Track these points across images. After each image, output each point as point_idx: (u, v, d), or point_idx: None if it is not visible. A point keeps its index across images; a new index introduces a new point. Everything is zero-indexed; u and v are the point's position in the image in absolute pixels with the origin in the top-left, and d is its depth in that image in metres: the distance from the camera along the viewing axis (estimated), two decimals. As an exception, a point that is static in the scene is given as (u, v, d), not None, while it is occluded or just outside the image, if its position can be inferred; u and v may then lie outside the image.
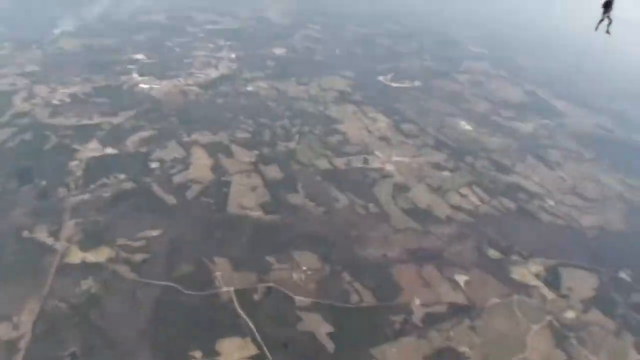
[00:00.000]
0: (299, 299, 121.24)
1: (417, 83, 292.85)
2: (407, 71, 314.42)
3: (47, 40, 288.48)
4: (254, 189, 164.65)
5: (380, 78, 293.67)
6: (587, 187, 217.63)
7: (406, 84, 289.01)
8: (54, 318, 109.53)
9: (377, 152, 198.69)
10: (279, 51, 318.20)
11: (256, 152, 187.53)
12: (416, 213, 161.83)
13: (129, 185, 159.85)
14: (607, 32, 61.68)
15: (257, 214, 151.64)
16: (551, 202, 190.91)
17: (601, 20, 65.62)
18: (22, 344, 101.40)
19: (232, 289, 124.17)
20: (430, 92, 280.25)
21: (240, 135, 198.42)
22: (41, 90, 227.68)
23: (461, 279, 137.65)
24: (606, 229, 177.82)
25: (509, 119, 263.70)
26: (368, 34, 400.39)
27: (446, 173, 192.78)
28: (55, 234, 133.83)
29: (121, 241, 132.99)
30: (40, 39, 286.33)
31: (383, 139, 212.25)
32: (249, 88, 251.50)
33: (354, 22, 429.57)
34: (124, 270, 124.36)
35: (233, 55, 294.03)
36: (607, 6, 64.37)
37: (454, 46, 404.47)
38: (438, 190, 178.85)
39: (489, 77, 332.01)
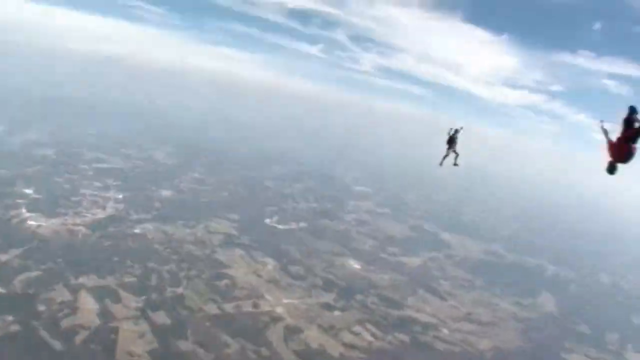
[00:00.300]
0: None
1: (302, 224, 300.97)
2: (293, 212, 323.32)
3: None
4: (142, 335, 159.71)
5: (267, 220, 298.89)
6: (481, 312, 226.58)
7: (292, 226, 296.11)
8: None
9: (266, 296, 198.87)
10: (165, 192, 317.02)
11: (144, 297, 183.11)
12: (309, 354, 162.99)
13: (15, 327, 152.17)
14: (455, 164, 64.98)
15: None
16: (446, 331, 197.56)
17: (445, 156, 67.79)
18: None
19: None
20: (317, 233, 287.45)
21: (128, 279, 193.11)
22: None
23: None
24: (503, 349, 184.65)
25: (396, 254, 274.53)
26: (254, 176, 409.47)
27: (337, 312, 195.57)
28: None
29: None
30: None
31: (272, 281, 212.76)
32: (136, 230, 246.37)
33: (240, 164, 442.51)
34: None
35: (120, 196, 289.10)
36: (451, 142, 67.32)
37: (339, 186, 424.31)
38: (330, 330, 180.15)
39: (375, 215, 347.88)
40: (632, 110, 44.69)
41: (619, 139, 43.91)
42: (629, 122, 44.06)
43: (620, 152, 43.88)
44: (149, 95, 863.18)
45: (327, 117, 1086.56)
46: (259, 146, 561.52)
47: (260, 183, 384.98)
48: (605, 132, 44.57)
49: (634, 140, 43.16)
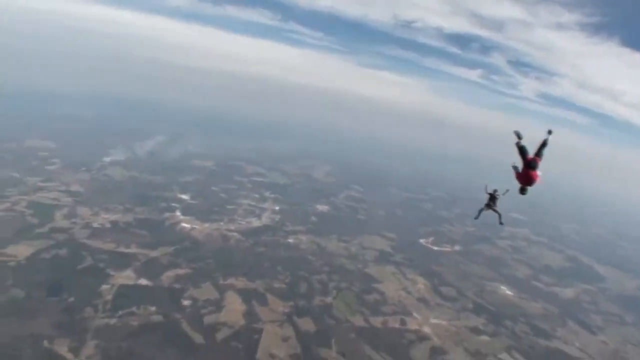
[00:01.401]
0: None
1: (457, 247, 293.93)
2: (449, 235, 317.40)
3: (97, 165, 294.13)
4: (285, 339, 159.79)
5: (422, 241, 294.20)
6: (630, 351, 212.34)
7: (447, 248, 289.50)
8: None
9: (414, 314, 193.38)
10: (321, 208, 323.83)
11: (291, 303, 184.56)
12: None
13: (158, 318, 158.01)
14: (501, 223, 59.02)
15: None
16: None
17: (481, 210, 62.05)
18: None
19: None
20: (471, 257, 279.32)
21: (277, 285, 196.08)
22: (83, 211, 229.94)
23: None
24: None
25: (550, 284, 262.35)
26: (410, 197, 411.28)
27: (485, 337, 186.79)
28: (75, 351, 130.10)
29: None
30: (89, 163, 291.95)
31: (421, 300, 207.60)
32: (290, 240, 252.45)
33: (397, 185, 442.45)
34: None
35: (277, 208, 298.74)
36: (492, 200, 62.08)
37: (495, 214, 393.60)
38: (476, 354, 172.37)
39: (530, 243, 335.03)
40: (517, 135, 53.85)
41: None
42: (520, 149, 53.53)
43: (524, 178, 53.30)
44: (307, 116, 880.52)
45: (487, 144, 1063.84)
46: (417, 169, 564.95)
47: (417, 204, 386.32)
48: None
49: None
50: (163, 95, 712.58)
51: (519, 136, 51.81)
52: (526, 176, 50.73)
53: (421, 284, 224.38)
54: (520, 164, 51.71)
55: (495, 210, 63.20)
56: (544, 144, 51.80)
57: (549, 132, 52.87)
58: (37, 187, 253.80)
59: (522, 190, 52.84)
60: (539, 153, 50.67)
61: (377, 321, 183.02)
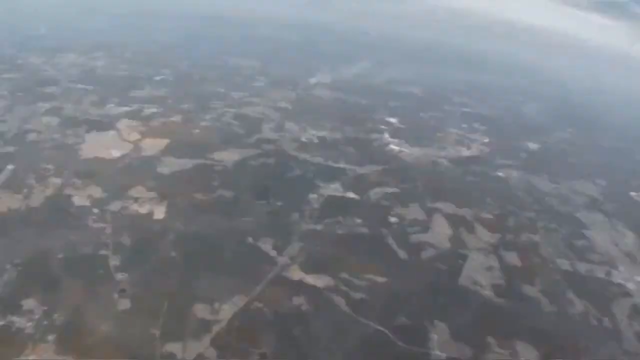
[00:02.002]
0: None
1: None
2: None
3: (303, 85, 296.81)
4: (490, 269, 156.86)
5: (632, 194, 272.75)
6: None
7: None
8: (255, 319, 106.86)
9: (620, 268, 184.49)
10: (532, 145, 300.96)
11: (498, 235, 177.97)
12: None
13: (363, 229, 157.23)
14: None
15: (488, 293, 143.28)
16: None
17: None
18: (215, 329, 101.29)
19: (444, 355, 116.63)
20: None
21: (484, 215, 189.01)
22: (290, 126, 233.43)
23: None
24: None
25: None
26: (624, 147, 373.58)
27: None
28: (279, 249, 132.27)
29: (343, 275, 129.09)
30: (295, 83, 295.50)
31: (628, 255, 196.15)
32: (499, 174, 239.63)
33: (610, 132, 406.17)
34: (339, 301, 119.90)
35: (486, 140, 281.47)
36: None
37: None
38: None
39: None
40: None
41: None
42: None
43: None
44: (523, 54, 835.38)
45: None
46: (631, 117, 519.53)
47: (630, 155, 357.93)
48: None
49: None
50: (369, 24, 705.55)
51: None
52: None
53: (629, 238, 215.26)
54: None
55: None
56: None
57: None
58: (243, 102, 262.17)
59: None
60: None
61: (582, 268, 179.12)
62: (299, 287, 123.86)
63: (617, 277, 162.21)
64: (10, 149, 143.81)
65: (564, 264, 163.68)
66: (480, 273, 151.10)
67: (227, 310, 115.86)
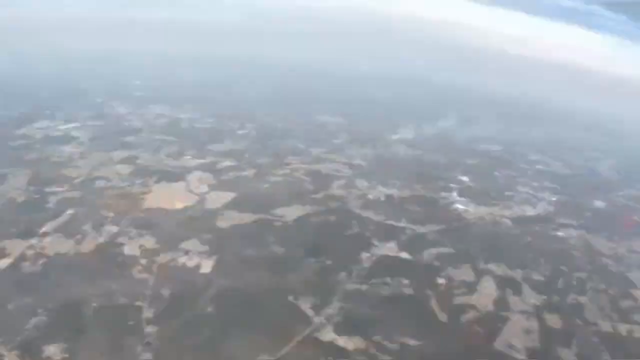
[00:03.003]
0: None
1: None
2: None
3: (383, 142, 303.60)
4: (528, 332, 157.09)
5: None
6: None
7: None
8: None
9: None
10: (598, 204, 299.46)
11: (544, 297, 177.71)
12: None
13: (408, 291, 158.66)
14: None
15: (522, 358, 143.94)
16: None
17: None
18: None
19: None
20: None
21: (535, 276, 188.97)
22: (361, 183, 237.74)
23: None
24: None
25: None
26: None
27: None
28: (317, 309, 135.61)
29: (376, 337, 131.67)
30: (376, 139, 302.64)
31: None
32: (559, 233, 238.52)
33: None
34: None
35: (554, 199, 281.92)
36: None
37: None
38: None
39: None
40: None
41: None
42: None
43: None
44: (596, 105, 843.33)
45: None
46: None
47: None
48: None
49: None
50: (459, 79, 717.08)
51: None
52: None
53: None
54: None
55: None
56: None
57: None
58: (319, 158, 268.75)
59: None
60: None
61: (623, 329, 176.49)
62: (328, 348, 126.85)
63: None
64: (75, 194, 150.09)
65: (606, 326, 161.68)
66: (518, 336, 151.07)
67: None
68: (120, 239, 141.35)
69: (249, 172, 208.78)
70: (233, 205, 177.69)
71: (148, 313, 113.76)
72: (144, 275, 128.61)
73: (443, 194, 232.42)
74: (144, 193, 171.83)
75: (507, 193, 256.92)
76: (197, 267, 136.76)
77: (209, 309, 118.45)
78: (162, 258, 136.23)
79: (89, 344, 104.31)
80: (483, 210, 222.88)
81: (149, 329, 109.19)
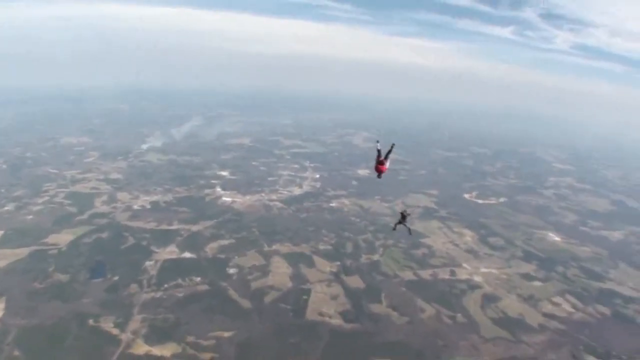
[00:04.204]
0: None
1: (502, 199, 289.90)
2: (493, 188, 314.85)
3: (134, 153, 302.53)
4: (334, 297, 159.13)
5: (466, 195, 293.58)
6: None
7: (492, 201, 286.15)
8: None
9: (464, 265, 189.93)
10: (362, 172, 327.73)
11: (338, 263, 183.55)
12: (507, 322, 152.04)
13: (203, 287, 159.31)
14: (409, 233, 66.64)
15: (337, 321, 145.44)
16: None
17: (397, 223, 78.30)
18: None
19: None
20: (517, 207, 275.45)
21: (322, 247, 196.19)
22: (123, 196, 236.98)
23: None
24: None
25: (597, 228, 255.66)
26: (452, 156, 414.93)
27: (537, 283, 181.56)
28: (121, 326, 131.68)
29: (190, 339, 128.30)
30: (126, 152, 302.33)
31: (470, 252, 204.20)
32: (332, 204, 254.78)
33: (439, 146, 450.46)
34: None
35: (317, 175, 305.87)
36: (404, 218, 77.56)
37: (538, 164, 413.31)
38: (529, 299, 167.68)
39: (575, 191, 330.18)
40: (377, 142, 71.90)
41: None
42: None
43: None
44: (341, 88, 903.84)
45: (520, 99, 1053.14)
46: (457, 129, 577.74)
47: (459, 162, 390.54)
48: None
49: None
50: (196, 82, 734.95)
51: (377, 142, 70.41)
52: (378, 168, 68.69)
53: (468, 236, 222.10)
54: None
55: (405, 225, 78.68)
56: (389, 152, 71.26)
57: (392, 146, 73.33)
58: (75, 179, 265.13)
59: (379, 176, 71.48)
60: (386, 156, 70.14)
61: (426, 274, 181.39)
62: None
63: (463, 274, 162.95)
64: None
65: (408, 275, 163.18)
66: (325, 304, 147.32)
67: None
68: None
69: (10, 207, 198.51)
70: (3, 242, 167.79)
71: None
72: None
73: (207, 190, 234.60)
74: None
75: (270, 179, 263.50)
76: None
77: (15, 353, 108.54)
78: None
79: None
80: (251, 199, 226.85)
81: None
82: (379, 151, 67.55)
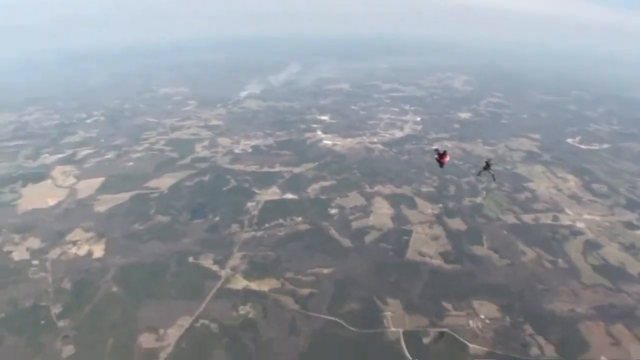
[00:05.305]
0: (474, 347, 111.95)
1: (606, 145, 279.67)
2: (596, 134, 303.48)
3: (233, 101, 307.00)
4: (435, 238, 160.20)
5: (569, 140, 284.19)
6: None
7: (595, 146, 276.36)
8: (202, 336, 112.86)
9: (567, 210, 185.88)
10: (464, 115, 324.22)
11: (440, 205, 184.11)
12: (607, 270, 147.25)
13: (304, 226, 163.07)
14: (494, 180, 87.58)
15: (437, 261, 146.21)
16: None
17: (482, 170, 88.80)
18: (163, 355, 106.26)
19: (401, 330, 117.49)
20: (621, 154, 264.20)
21: (425, 189, 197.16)
22: (223, 141, 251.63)
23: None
24: None
25: None
26: (553, 100, 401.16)
27: (639, 232, 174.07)
28: (220, 263, 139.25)
29: (289, 275, 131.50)
30: (225, 100, 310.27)
31: (573, 197, 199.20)
32: (435, 147, 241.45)
33: (538, 89, 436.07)
34: (287, 301, 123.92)
35: (418, 119, 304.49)
36: (488, 166, 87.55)
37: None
38: (631, 248, 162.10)
39: None
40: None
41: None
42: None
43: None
44: (440, 33, 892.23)
45: (621, 44, 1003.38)
46: (557, 73, 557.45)
47: (560, 106, 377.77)
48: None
49: None
50: (288, 30, 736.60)
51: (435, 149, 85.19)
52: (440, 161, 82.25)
53: (572, 181, 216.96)
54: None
55: (490, 172, 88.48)
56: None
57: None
58: (174, 127, 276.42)
59: (441, 165, 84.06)
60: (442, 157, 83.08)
61: (528, 218, 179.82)
62: (244, 295, 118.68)
63: (565, 220, 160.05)
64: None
65: (510, 219, 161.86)
66: (426, 244, 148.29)
67: (172, 334, 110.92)
68: (7, 247, 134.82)
69: (111, 155, 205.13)
70: (104, 188, 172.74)
71: (56, 309, 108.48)
72: (41, 275, 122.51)
73: (308, 134, 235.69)
74: (15, 199, 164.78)
75: (370, 122, 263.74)
76: (89, 254, 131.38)
77: (114, 289, 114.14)
78: (52, 254, 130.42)
79: (7, 353, 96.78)
80: (352, 141, 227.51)
81: (62, 323, 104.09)
82: (437, 151, 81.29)
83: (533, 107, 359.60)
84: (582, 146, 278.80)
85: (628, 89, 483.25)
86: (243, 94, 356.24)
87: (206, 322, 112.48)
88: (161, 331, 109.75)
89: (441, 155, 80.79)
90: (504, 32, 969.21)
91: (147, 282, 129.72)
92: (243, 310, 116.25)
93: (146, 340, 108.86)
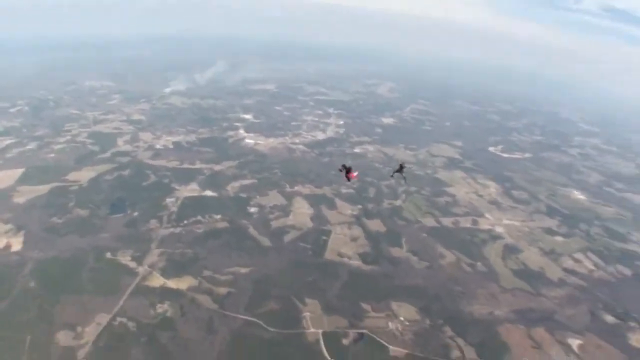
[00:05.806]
0: (394, 349, 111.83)
1: (527, 154, 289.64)
2: (518, 144, 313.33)
3: (157, 96, 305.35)
4: (354, 239, 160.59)
5: (491, 149, 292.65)
6: None
7: (517, 155, 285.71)
8: (120, 335, 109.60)
9: (486, 215, 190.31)
10: (387, 120, 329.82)
11: (359, 206, 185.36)
12: (527, 274, 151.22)
13: (223, 224, 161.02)
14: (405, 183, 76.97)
15: (356, 262, 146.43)
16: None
17: (394, 172, 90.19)
18: (81, 353, 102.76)
19: (320, 331, 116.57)
20: (541, 163, 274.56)
21: (345, 190, 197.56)
22: (145, 136, 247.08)
23: (574, 342, 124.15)
24: None
25: (622, 190, 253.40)
26: (478, 110, 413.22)
27: (559, 238, 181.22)
28: (138, 259, 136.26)
29: (207, 273, 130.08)
30: (149, 95, 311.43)
31: (493, 203, 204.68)
32: (356, 150, 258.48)
33: (463, 99, 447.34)
34: (204, 300, 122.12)
35: (341, 122, 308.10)
36: (401, 168, 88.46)
37: (564, 123, 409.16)
38: (550, 254, 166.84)
39: (601, 152, 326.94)
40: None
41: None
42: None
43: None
44: (365, 40, 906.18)
45: (547, 60, 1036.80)
46: (482, 84, 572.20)
47: (484, 116, 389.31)
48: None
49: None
50: (219, 30, 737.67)
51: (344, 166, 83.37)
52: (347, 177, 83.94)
53: (492, 187, 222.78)
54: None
55: (401, 175, 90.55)
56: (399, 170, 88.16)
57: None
58: (97, 120, 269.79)
59: (348, 180, 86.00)
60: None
61: (448, 221, 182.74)
62: (162, 293, 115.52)
63: (485, 224, 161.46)
64: None
65: (430, 222, 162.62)
66: (345, 245, 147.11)
67: (90, 332, 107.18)
68: None
69: (32, 146, 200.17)
70: (24, 179, 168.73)
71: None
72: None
73: (230, 132, 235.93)
74: None
75: (293, 123, 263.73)
76: (7, 247, 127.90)
77: (32, 284, 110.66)
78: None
79: None
80: (274, 141, 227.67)
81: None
82: (343, 167, 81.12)
83: (457, 116, 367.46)
84: (504, 154, 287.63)
85: (550, 103, 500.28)
86: (168, 90, 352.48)
87: (124, 320, 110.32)
88: (79, 329, 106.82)
89: (348, 171, 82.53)
90: (438, 43, 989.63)
91: (64, 278, 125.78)
92: (161, 308, 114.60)
93: (64, 338, 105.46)
